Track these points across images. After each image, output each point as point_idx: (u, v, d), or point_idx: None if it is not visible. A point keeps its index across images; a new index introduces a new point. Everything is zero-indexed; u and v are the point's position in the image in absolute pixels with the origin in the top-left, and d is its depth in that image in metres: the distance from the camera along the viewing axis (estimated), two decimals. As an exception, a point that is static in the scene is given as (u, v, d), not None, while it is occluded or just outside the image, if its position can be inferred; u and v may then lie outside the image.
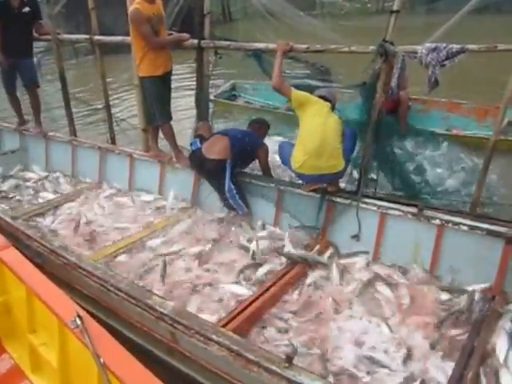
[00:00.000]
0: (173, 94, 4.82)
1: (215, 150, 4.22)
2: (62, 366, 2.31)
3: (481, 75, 6.25)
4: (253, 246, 3.71)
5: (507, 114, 3.33)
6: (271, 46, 4.01)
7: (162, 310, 2.81)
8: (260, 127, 4.59)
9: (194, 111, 5.05)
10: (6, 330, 2.84)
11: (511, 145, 5.26)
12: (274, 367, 2.36)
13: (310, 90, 4.02)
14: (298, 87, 3.92)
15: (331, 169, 3.76)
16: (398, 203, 3.69)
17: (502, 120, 3.34)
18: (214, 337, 2.57)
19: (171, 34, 4.56)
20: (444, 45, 3.17)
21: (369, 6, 18.11)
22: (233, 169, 4.22)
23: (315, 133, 3.69)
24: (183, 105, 7.54)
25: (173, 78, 4.73)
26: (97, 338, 1.94)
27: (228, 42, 4.45)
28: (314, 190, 3.93)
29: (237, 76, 8.73)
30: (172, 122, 4.69)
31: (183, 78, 8.38)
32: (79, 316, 2.01)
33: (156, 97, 4.48)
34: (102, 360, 1.84)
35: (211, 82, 5.07)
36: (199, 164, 4.38)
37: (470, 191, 4.21)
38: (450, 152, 5.12)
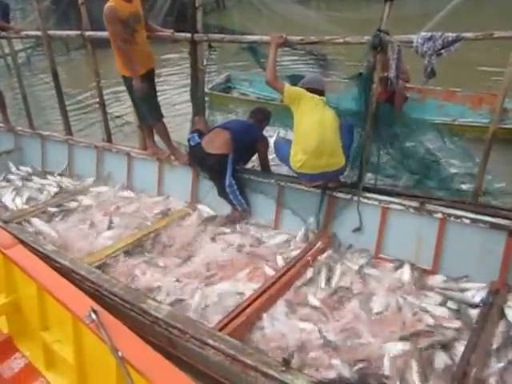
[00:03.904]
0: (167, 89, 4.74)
1: (216, 144, 4.15)
2: (79, 361, 2.29)
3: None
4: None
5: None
6: (265, 38, 3.93)
7: (157, 314, 2.77)
8: (264, 118, 4.45)
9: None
10: (17, 329, 2.83)
11: (506, 133, 5.16)
12: (271, 371, 2.33)
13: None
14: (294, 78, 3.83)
15: (333, 166, 3.73)
16: (400, 195, 3.66)
17: (501, 108, 3.27)
18: (210, 341, 2.54)
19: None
20: (439, 33, 3.12)
21: (364, -10, 17.82)
22: (234, 164, 4.16)
23: (313, 131, 3.64)
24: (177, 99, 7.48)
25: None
26: (113, 332, 1.92)
27: (222, 35, 4.38)
28: (315, 186, 3.88)
29: (231, 70, 8.64)
30: (166, 119, 4.61)
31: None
32: (94, 310, 1.99)
33: (142, 97, 4.41)
34: (120, 353, 1.82)
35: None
36: (200, 159, 4.32)
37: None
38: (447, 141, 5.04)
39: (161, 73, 9.12)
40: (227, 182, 4.14)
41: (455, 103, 6.44)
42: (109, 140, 5.55)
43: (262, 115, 4.44)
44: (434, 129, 4.09)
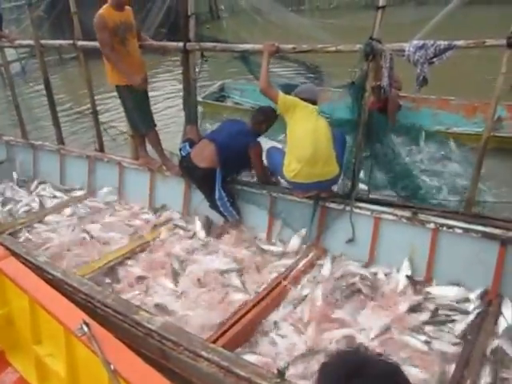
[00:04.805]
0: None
1: (203, 157, 4.08)
2: (71, 375, 2.27)
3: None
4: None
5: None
6: (257, 47, 3.93)
7: (150, 326, 2.74)
8: (264, 120, 4.09)
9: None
10: (9, 343, 2.80)
11: (499, 142, 5.08)
12: (265, 383, 2.28)
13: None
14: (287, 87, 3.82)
15: (327, 175, 3.70)
16: (392, 206, 3.63)
17: (493, 116, 3.27)
18: (203, 353, 2.51)
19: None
20: (431, 42, 3.11)
21: (357, -1, 17.97)
22: (224, 175, 4.10)
23: (307, 139, 3.61)
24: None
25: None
26: (105, 345, 1.91)
27: (214, 44, 4.36)
28: (307, 197, 3.85)
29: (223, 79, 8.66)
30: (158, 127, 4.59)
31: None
32: (86, 323, 1.98)
33: (135, 106, 4.40)
34: (112, 366, 1.81)
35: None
36: (189, 171, 4.27)
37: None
38: (440, 149, 5.04)
39: (155, 75, 9.08)
40: (217, 195, 4.08)
41: (449, 112, 6.41)
42: (101, 149, 5.50)
43: (263, 115, 4.09)
44: (427, 136, 4.09)
